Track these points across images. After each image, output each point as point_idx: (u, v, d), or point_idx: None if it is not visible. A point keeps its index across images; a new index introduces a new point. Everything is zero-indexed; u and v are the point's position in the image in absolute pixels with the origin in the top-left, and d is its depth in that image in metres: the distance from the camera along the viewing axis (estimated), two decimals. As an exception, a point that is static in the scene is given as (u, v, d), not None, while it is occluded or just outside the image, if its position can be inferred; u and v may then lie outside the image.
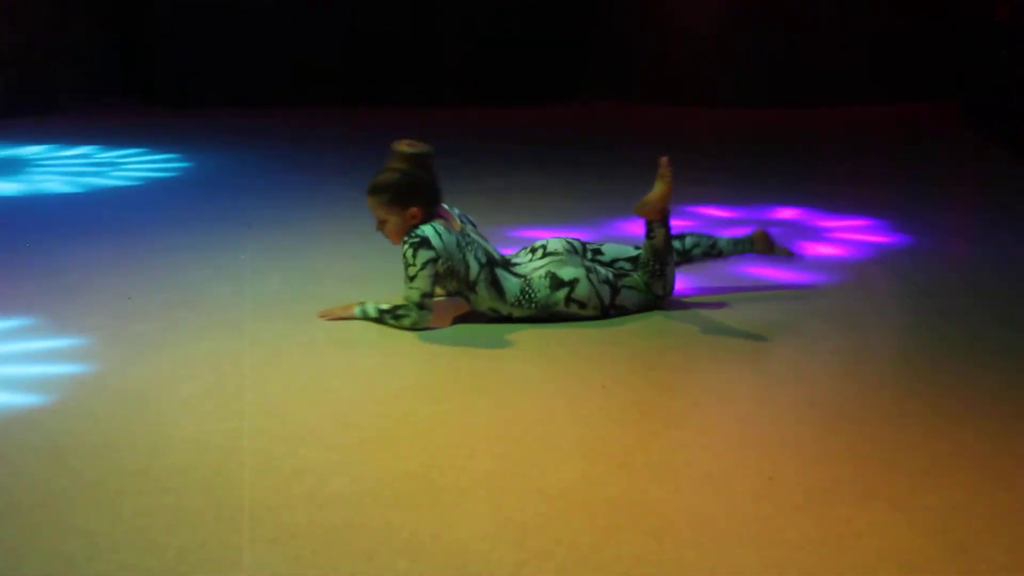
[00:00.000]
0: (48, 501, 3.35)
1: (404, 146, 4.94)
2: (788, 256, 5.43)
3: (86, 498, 3.36)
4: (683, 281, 5.38)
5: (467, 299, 4.99)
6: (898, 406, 4.08)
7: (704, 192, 7.30)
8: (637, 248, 5.14)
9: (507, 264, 5.04)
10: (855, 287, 5.52)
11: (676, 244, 5.20)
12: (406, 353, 4.63)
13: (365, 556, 3.06)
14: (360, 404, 4.11)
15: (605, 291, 5.01)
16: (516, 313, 4.98)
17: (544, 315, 4.99)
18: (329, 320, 4.98)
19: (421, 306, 4.84)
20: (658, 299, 5.10)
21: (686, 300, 5.26)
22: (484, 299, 4.95)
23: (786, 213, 6.93)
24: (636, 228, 5.77)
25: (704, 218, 6.75)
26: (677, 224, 5.21)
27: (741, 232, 5.49)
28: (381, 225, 4.94)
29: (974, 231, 6.76)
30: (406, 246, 4.82)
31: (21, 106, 10.59)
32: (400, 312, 4.87)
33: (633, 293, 5.06)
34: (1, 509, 3.31)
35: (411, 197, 4.87)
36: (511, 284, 4.96)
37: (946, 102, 10.19)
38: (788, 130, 9.46)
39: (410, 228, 4.87)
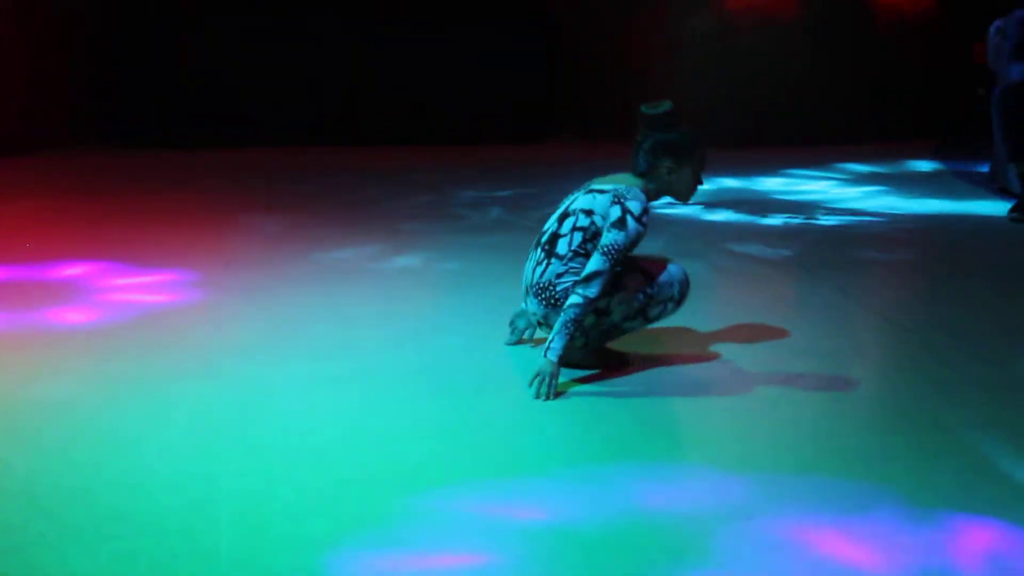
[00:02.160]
0: (23, 546, 3.31)
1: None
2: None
3: (62, 542, 3.33)
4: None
5: None
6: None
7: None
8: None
9: None
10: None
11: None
12: (390, 390, 4.61)
13: (345, 600, 3.04)
14: (341, 444, 4.09)
15: None
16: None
17: None
18: (549, 398, 4.66)
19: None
20: None
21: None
22: None
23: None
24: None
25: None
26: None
27: None
28: None
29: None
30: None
31: None
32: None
33: None
34: (-25, 553, 3.27)
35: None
36: None
37: (926, 140, 10.25)
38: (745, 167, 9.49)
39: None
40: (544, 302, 4.83)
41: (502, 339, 5.24)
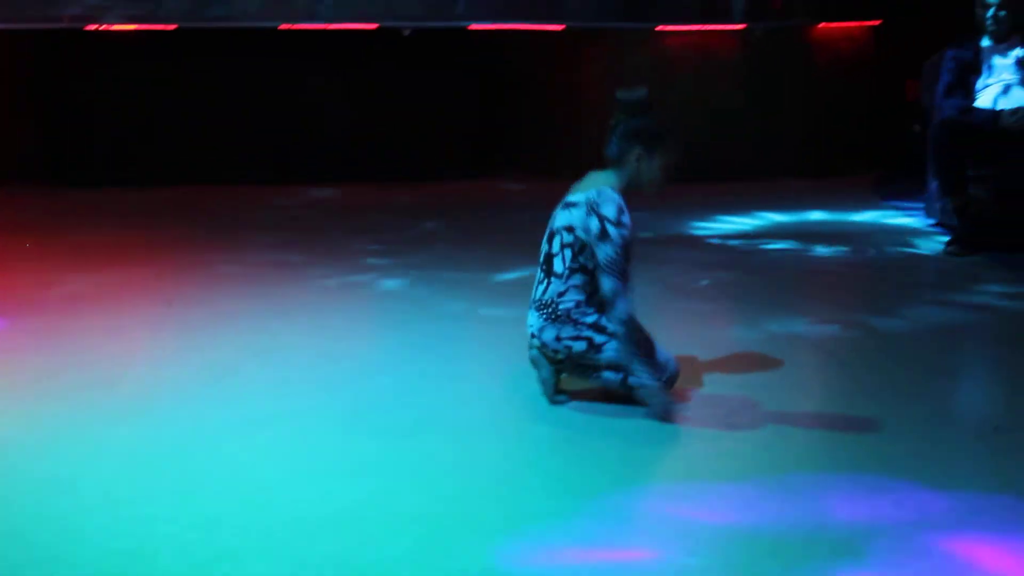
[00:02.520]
0: (-43, 591, 3.27)
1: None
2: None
3: (-3, 587, 3.29)
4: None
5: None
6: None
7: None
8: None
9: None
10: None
11: None
12: (328, 430, 4.59)
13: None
14: (279, 486, 4.06)
15: None
16: None
17: None
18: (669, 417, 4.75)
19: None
20: None
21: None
22: None
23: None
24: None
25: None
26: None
27: None
28: None
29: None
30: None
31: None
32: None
33: None
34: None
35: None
36: None
37: (863, 178, 10.34)
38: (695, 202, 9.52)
39: None
40: (545, 316, 4.87)
41: (438, 379, 5.24)
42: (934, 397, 5.12)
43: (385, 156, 10.36)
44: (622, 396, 4.86)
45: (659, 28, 10.19)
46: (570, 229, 4.81)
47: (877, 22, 10.70)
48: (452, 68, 10.56)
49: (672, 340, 5.16)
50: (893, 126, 10.12)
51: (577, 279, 4.84)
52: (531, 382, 5.05)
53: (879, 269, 7.61)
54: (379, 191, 9.69)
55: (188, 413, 4.77)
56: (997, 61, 7.89)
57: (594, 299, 4.86)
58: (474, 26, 10.02)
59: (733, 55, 10.37)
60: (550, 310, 4.88)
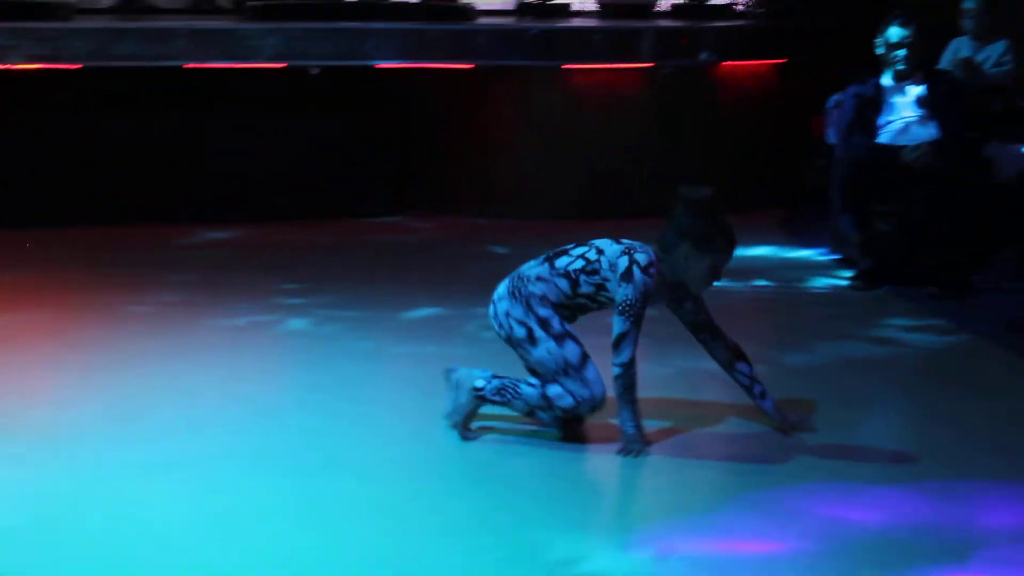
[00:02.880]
0: None
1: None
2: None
3: None
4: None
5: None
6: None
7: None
8: None
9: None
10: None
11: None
12: (235, 472, 4.54)
13: None
14: (183, 530, 4.00)
15: None
16: None
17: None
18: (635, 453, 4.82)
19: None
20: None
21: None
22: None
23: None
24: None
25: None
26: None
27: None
28: None
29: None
30: None
31: None
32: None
33: None
34: None
35: None
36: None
37: (768, 213, 10.42)
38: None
39: None
40: (511, 287, 4.93)
41: (345, 418, 5.21)
42: (850, 427, 5.19)
43: (294, 195, 10.27)
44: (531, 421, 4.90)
45: (566, 66, 10.24)
46: (600, 251, 4.88)
47: (783, 60, 10.82)
48: (361, 107, 10.52)
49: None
50: (797, 162, 10.22)
51: (564, 284, 4.89)
52: (440, 421, 5.04)
53: (785, 304, 7.68)
54: (287, 231, 9.62)
55: (90, 455, 4.69)
56: (898, 99, 8.01)
57: (560, 311, 4.88)
58: (382, 65, 10.01)
59: (641, 92, 10.43)
60: (518, 284, 4.93)
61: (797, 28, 11.07)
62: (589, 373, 4.87)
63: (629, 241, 4.92)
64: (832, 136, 8.48)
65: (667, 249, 4.89)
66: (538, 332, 4.85)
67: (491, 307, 5.02)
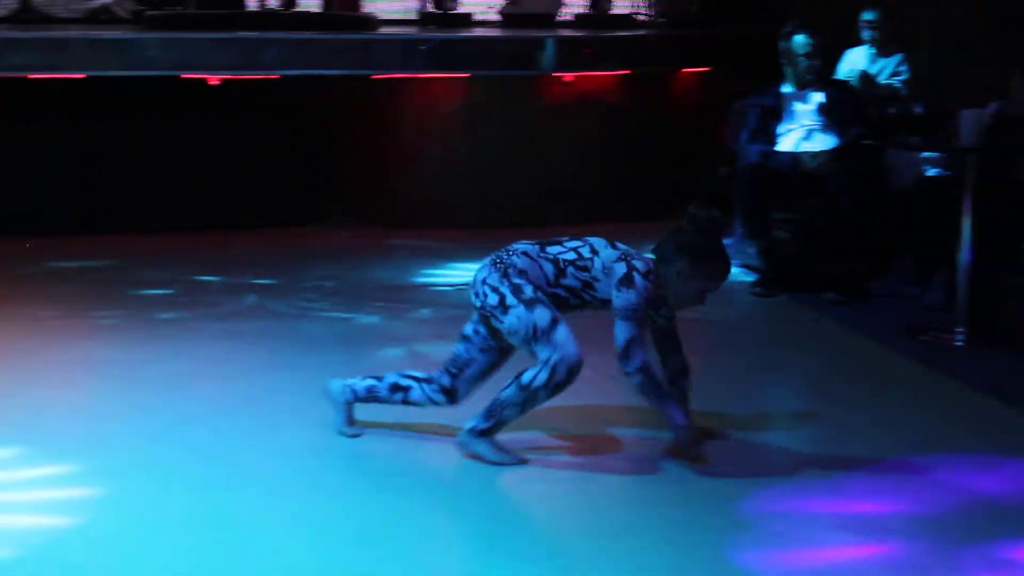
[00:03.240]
0: None
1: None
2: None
3: None
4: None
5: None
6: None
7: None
8: None
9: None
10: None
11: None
12: (142, 485, 4.47)
13: None
14: (88, 544, 3.93)
15: None
16: None
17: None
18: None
19: None
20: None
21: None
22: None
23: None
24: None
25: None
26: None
27: None
28: None
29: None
30: None
31: None
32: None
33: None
34: None
35: None
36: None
37: (669, 222, 10.46)
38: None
39: None
40: (495, 257, 4.86)
41: (252, 431, 5.16)
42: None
43: (192, 206, 10.16)
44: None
45: (469, 76, 10.23)
46: (595, 251, 4.83)
47: (685, 69, 10.90)
48: (261, 118, 10.45)
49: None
50: (701, 170, 10.29)
51: (549, 269, 4.82)
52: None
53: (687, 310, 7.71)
54: (189, 241, 9.51)
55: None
56: (798, 107, 8.09)
57: (540, 292, 4.78)
58: (284, 74, 9.94)
59: (545, 101, 10.45)
60: (503, 255, 4.86)
61: (699, 37, 11.17)
62: (559, 335, 4.74)
63: (624, 247, 4.87)
64: (734, 144, 8.54)
65: (663, 260, 4.86)
66: (510, 298, 4.75)
67: (473, 276, 4.92)
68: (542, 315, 4.74)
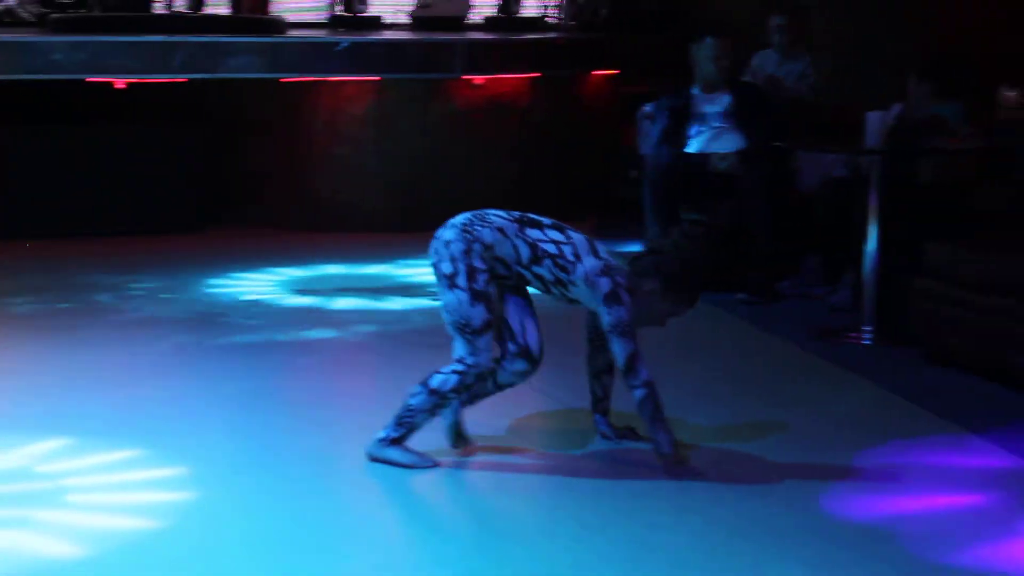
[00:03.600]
0: None
1: None
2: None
3: None
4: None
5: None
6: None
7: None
8: None
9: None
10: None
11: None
12: None
13: None
14: None
15: None
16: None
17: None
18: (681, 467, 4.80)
19: None
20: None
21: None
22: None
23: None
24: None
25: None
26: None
27: None
28: None
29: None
30: None
31: None
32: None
33: None
34: None
35: None
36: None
37: (582, 223, 10.48)
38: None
39: None
40: (466, 220, 4.81)
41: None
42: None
43: (99, 210, 10.01)
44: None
45: (379, 78, 10.20)
46: (577, 257, 4.76)
47: (594, 71, 10.94)
48: (170, 121, 10.34)
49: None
50: (611, 172, 10.34)
51: (525, 252, 4.76)
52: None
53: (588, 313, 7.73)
54: (88, 246, 9.36)
55: None
56: (707, 109, 8.15)
57: (495, 280, 4.77)
58: (192, 78, 9.85)
59: (455, 104, 10.44)
60: (477, 222, 4.79)
61: (607, 41, 11.21)
62: (482, 342, 4.74)
63: (604, 254, 4.81)
64: (643, 146, 8.58)
65: (640, 274, 4.83)
66: (460, 279, 4.69)
67: (438, 231, 4.86)
68: (479, 314, 4.71)
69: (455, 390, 4.76)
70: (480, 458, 4.98)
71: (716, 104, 8.13)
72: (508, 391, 5.06)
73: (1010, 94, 8.99)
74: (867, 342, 6.78)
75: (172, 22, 10.41)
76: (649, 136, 8.43)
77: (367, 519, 4.48)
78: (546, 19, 11.93)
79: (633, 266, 4.88)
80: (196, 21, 10.51)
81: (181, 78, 9.82)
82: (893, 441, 5.23)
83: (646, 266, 4.86)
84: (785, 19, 9.08)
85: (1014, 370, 5.87)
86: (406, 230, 9.79)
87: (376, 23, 11.83)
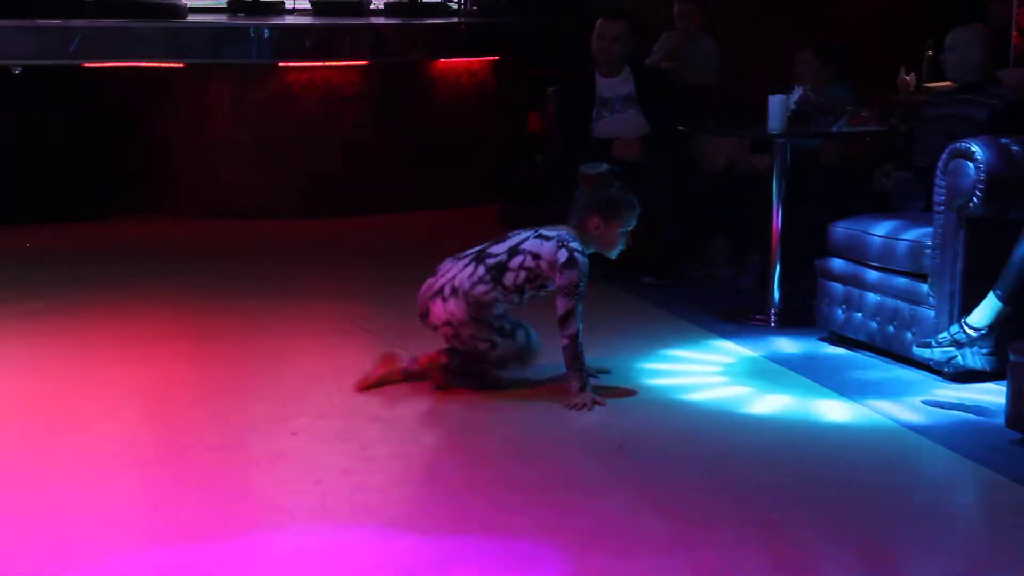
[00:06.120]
0: None
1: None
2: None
3: None
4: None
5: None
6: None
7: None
8: None
9: None
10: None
11: None
12: None
13: None
14: None
15: None
16: None
17: None
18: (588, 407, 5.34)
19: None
20: None
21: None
22: None
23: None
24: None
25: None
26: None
27: None
28: None
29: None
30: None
31: None
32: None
33: None
34: None
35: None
36: None
37: (489, 208, 10.47)
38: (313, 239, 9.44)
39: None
40: (465, 302, 5.42)
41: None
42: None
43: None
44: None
45: (282, 64, 10.11)
46: (536, 256, 5.41)
47: (497, 57, 10.92)
48: (65, 107, 10.16)
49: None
50: (516, 157, 10.33)
51: (515, 297, 5.47)
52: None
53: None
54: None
55: None
56: (610, 94, 8.15)
57: (498, 323, 5.51)
58: (89, 64, 9.69)
59: (357, 90, 10.38)
60: (473, 303, 5.41)
61: (511, 25, 11.21)
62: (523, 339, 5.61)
63: (553, 231, 5.45)
64: (548, 131, 8.58)
65: (580, 227, 5.48)
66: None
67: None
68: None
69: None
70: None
71: (619, 88, 8.14)
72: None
73: (907, 78, 9.13)
74: (772, 324, 6.84)
75: (69, 7, 10.22)
76: (553, 121, 8.43)
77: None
78: (448, 4, 11.89)
79: (572, 222, 5.51)
80: (93, 6, 10.34)
81: (79, 63, 9.67)
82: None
83: (579, 215, 5.51)
84: (690, 2, 9.12)
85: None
86: (315, 216, 9.74)
87: (277, 8, 11.73)
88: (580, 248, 5.39)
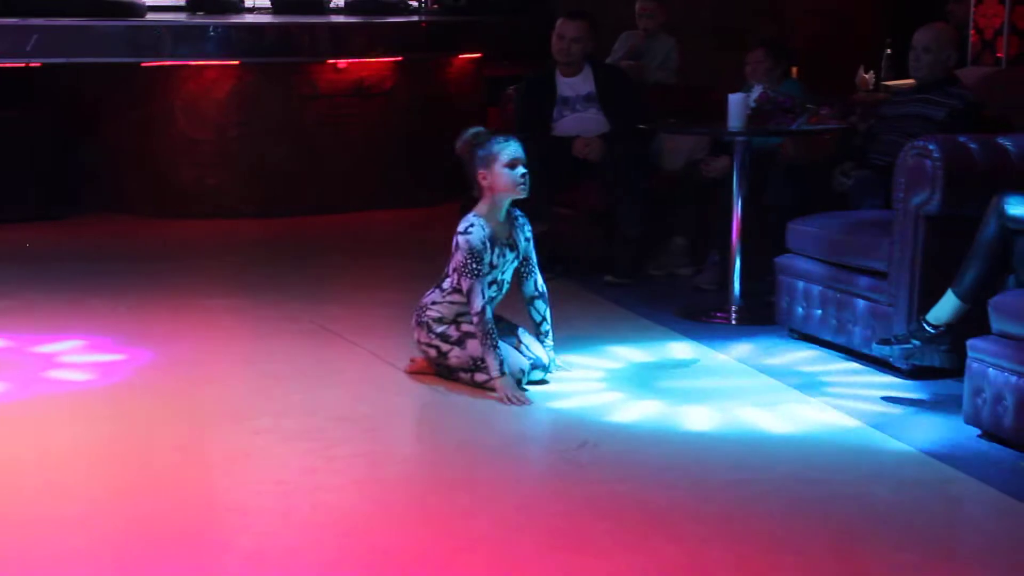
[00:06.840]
0: None
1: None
2: None
3: None
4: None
5: None
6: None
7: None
8: None
9: None
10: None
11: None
12: None
13: None
14: None
15: None
16: None
17: None
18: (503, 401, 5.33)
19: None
20: None
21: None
22: None
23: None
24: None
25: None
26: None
27: None
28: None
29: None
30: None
31: None
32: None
33: None
34: None
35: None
36: None
37: (450, 206, 10.44)
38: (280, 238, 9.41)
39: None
40: (414, 318, 5.60)
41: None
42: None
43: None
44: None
45: (242, 62, 10.08)
46: (453, 252, 5.48)
47: (456, 55, 10.92)
48: (24, 106, 10.09)
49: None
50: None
51: (454, 297, 5.50)
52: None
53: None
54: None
55: None
56: (570, 92, 8.15)
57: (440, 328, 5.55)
58: (47, 62, 9.63)
59: (315, 90, 10.35)
60: (418, 313, 5.58)
61: (471, 24, 11.20)
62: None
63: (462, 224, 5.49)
64: (508, 129, 8.56)
65: (480, 194, 5.56)
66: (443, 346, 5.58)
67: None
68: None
69: None
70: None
71: (579, 86, 8.14)
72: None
73: (867, 76, 9.19)
74: (733, 322, 6.87)
75: (26, 5, 10.14)
76: (512, 119, 8.41)
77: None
78: (408, 2, 11.87)
79: (473, 192, 5.62)
80: (51, 4, 10.26)
81: (36, 62, 9.61)
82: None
83: (471, 180, 5.56)
84: (651, 2, 9.14)
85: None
86: (271, 216, 9.70)
87: (236, 7, 11.69)
88: (464, 227, 5.44)
